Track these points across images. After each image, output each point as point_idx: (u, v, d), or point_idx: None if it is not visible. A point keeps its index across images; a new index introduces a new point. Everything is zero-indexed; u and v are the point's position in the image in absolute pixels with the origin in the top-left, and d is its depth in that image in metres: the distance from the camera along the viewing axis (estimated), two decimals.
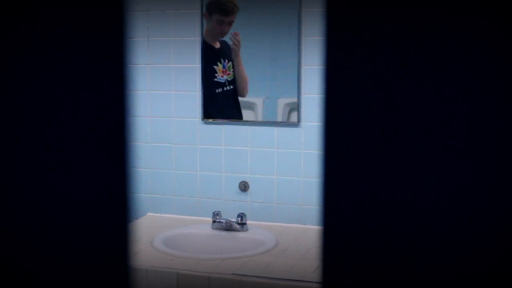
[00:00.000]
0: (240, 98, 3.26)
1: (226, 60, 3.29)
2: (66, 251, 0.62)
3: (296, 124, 3.13)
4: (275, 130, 3.17)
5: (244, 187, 3.23)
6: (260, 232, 3.04)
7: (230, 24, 3.26)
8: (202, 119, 3.26)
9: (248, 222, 3.10)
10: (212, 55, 3.31)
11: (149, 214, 3.41)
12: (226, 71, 3.30)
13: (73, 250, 0.62)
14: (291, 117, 3.19)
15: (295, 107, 3.18)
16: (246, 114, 3.25)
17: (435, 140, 0.56)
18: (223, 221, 3.08)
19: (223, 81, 3.30)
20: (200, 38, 3.22)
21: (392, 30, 0.55)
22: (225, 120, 3.31)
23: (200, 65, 3.24)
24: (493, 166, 0.54)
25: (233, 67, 3.28)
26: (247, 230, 3.06)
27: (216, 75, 3.31)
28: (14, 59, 0.57)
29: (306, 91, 3.08)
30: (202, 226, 3.15)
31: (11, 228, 0.60)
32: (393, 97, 0.56)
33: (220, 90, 3.31)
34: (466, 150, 0.55)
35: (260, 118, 3.22)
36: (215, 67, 3.29)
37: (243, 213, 3.09)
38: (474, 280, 0.56)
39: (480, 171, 0.55)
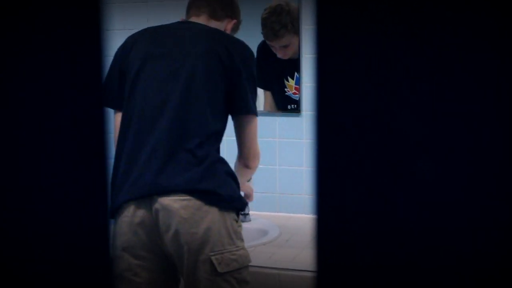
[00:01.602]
0: None
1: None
2: (45, 250, 0.62)
3: (298, 114, 3.12)
4: (277, 119, 3.17)
5: None
6: (262, 222, 3.04)
7: (285, 47, 2.93)
8: None
9: (250, 212, 3.10)
10: (281, 68, 2.98)
11: None
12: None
13: (52, 250, 0.62)
14: None
15: None
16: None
17: (433, 135, 0.55)
18: None
19: (296, 99, 3.02)
20: None
21: (388, 19, 0.54)
22: None
23: None
24: (492, 166, 0.54)
25: None
26: (249, 220, 3.06)
27: (286, 90, 3.02)
28: (14, 59, 0.57)
29: (307, 80, 3.07)
30: None
31: None
32: (391, 90, 0.55)
33: (293, 106, 3.03)
34: (466, 149, 0.55)
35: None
36: (285, 81, 3.01)
37: None
38: (474, 280, 0.56)
39: (479, 170, 0.55)
